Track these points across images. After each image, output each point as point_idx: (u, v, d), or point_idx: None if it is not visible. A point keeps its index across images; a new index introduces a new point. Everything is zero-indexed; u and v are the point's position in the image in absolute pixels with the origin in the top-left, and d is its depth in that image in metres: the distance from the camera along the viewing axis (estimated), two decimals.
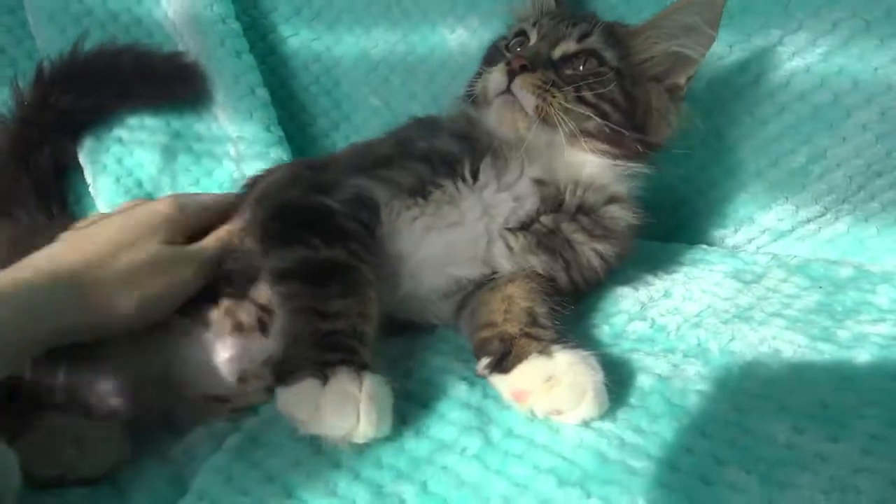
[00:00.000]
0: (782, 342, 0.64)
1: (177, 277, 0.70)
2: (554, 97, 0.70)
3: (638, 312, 0.72)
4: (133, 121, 1.03)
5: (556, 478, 0.51)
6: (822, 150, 0.86)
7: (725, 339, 0.65)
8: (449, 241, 0.71)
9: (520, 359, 0.60)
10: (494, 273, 0.72)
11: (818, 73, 0.84)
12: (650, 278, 0.78)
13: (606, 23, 0.77)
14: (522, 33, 0.79)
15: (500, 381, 0.61)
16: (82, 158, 1.03)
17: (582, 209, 0.74)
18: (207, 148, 1.04)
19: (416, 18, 1.04)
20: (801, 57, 0.85)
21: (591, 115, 0.72)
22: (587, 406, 0.56)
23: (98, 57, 1.00)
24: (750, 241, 0.92)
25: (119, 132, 1.02)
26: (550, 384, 0.57)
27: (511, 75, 0.71)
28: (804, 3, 0.83)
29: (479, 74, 0.78)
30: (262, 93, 1.04)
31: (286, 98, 1.13)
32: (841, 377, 0.59)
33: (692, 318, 0.70)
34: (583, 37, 0.75)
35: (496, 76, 0.72)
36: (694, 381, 0.61)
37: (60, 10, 1.05)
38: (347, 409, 0.53)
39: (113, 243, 0.68)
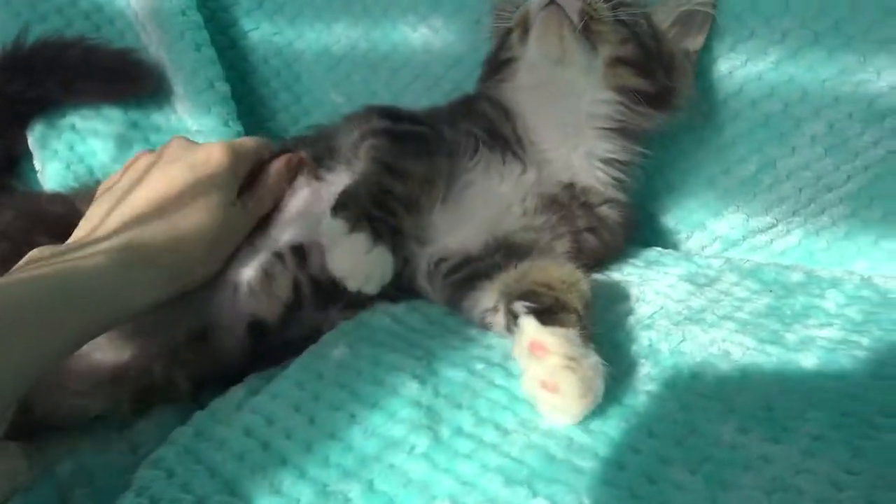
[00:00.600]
0: (731, 344, 0.65)
1: (242, 235, 0.74)
2: (598, 4, 0.76)
3: (593, 315, 0.72)
4: (88, 109, 1.00)
5: (504, 477, 0.51)
6: (772, 159, 0.87)
7: (676, 340, 0.66)
8: (484, 200, 0.78)
9: (563, 325, 0.59)
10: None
11: (769, 82, 0.85)
12: (603, 279, 0.78)
13: None
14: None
15: (528, 324, 0.59)
16: (32, 143, 1.00)
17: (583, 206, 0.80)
18: (164, 139, 1.01)
19: (378, 15, 1.03)
20: (752, 64, 0.86)
21: (629, 36, 0.77)
22: (581, 404, 0.55)
23: (44, 48, 0.97)
24: (703, 247, 0.94)
25: (73, 119, 1.00)
26: (570, 364, 0.55)
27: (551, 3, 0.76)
28: (755, 12, 0.84)
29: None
30: (222, 87, 1.02)
31: (246, 92, 1.12)
32: (787, 379, 0.60)
33: (644, 319, 0.70)
34: None
35: (539, 21, 0.77)
36: (643, 381, 0.61)
37: None
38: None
39: (183, 212, 0.68)
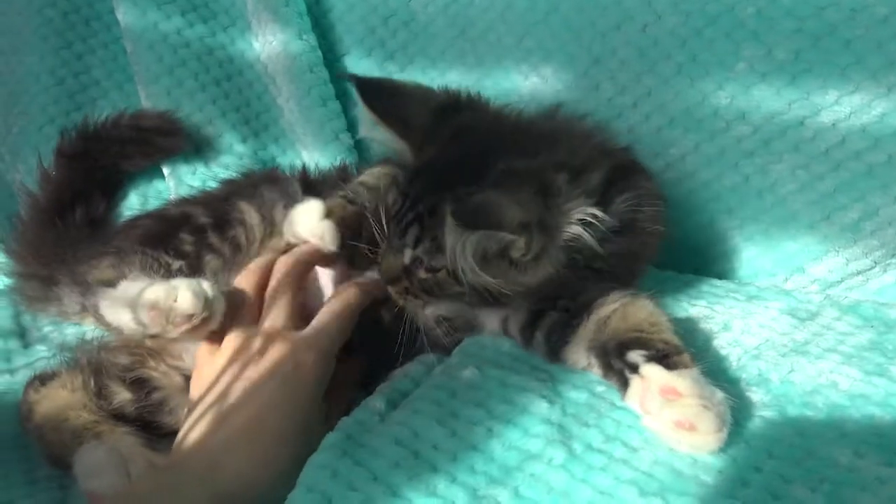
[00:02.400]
0: (839, 375, 0.69)
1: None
2: (413, 301, 0.78)
3: (701, 345, 0.77)
4: (220, 144, 1.11)
5: (637, 488, 0.57)
6: (875, 208, 0.89)
7: (785, 370, 0.71)
8: None
9: (685, 366, 0.64)
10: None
11: (873, 134, 0.88)
12: (709, 312, 0.83)
13: (436, 209, 0.72)
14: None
15: (654, 372, 0.63)
16: (167, 176, 1.11)
17: None
18: None
19: (491, 64, 1.10)
20: (856, 117, 0.88)
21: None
22: (717, 438, 0.59)
23: (103, 125, 1.11)
24: (801, 289, 0.96)
25: (205, 154, 1.11)
26: (703, 402, 0.59)
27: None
28: (861, 67, 0.87)
29: None
30: (346, 139, 1.14)
31: (357, 139, 1.20)
32: (895, 409, 0.64)
33: (752, 350, 0.75)
34: (416, 244, 0.74)
35: None
36: (758, 407, 0.66)
37: (160, 40, 1.14)
38: None
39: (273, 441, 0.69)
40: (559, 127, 0.81)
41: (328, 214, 0.80)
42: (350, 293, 0.81)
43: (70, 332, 0.97)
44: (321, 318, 0.78)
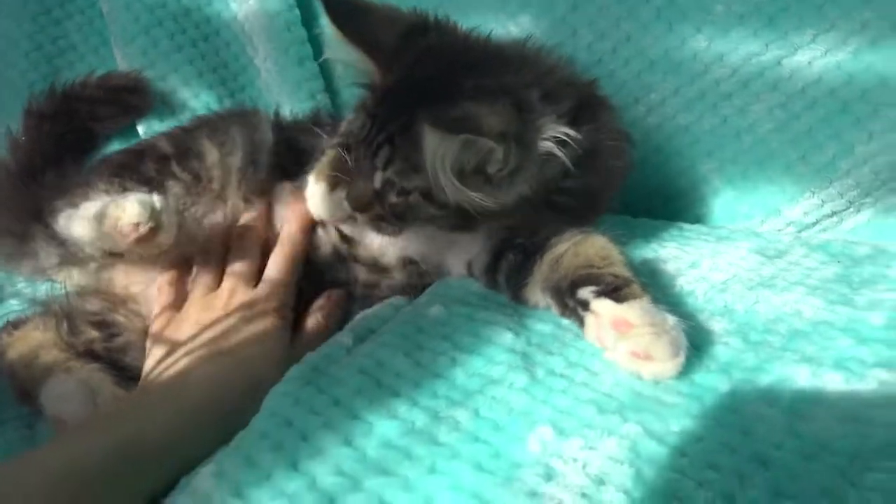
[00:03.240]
0: (803, 305, 0.69)
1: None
2: (385, 227, 0.77)
3: (667, 281, 0.78)
4: (196, 104, 1.11)
5: (596, 407, 0.57)
6: (850, 145, 0.90)
7: (750, 301, 0.71)
8: None
9: (634, 297, 0.64)
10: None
11: (848, 70, 0.88)
12: (679, 253, 0.83)
13: (408, 126, 0.70)
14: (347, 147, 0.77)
15: (604, 306, 0.64)
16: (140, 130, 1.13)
17: None
18: None
19: (467, 12, 1.03)
20: (832, 54, 0.89)
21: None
22: (674, 364, 0.59)
23: (71, 89, 1.10)
24: (776, 231, 0.97)
25: (181, 115, 1.11)
26: (655, 330, 0.60)
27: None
28: (837, 5, 0.88)
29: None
30: (324, 98, 1.13)
31: (341, 104, 1.20)
32: (857, 335, 0.64)
33: (719, 284, 0.75)
34: (386, 165, 0.73)
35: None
36: (721, 335, 0.66)
37: (136, 0, 1.13)
38: None
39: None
40: (529, 54, 0.81)
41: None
42: (295, 235, 0.84)
43: (43, 288, 0.97)
44: (272, 276, 0.82)
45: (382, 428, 0.57)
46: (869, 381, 0.57)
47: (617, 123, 0.82)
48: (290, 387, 0.63)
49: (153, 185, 0.82)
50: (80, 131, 1.11)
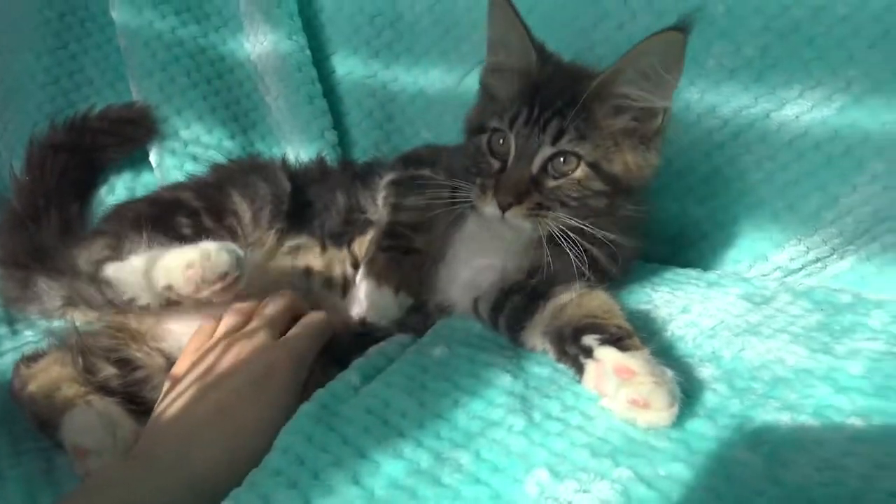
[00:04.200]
0: (786, 353, 0.73)
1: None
2: (545, 217, 0.82)
3: (660, 326, 0.82)
4: (209, 139, 1.15)
5: (590, 451, 0.61)
6: (834, 197, 0.95)
7: (737, 348, 0.75)
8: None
9: (636, 348, 0.69)
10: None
11: (833, 126, 0.93)
12: (671, 298, 0.88)
13: (576, 96, 0.80)
14: (501, 132, 0.85)
15: (609, 354, 0.68)
16: (156, 168, 1.16)
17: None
18: None
19: (474, 62, 1.14)
20: (818, 110, 0.94)
21: (579, 216, 0.81)
22: (669, 414, 0.63)
23: (73, 122, 1.14)
24: (763, 276, 1.01)
25: (194, 149, 1.15)
26: (655, 380, 0.64)
27: (502, 209, 0.82)
28: (823, 62, 0.93)
29: (473, 131, 0.89)
30: (331, 136, 1.19)
31: (341, 133, 1.26)
32: (835, 384, 0.68)
33: (707, 330, 0.79)
34: (556, 138, 0.81)
35: (490, 210, 0.83)
36: (709, 381, 0.70)
37: (154, 37, 1.19)
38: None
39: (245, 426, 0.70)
40: None
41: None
42: (323, 314, 0.86)
43: (56, 322, 1.00)
44: (299, 328, 0.83)
45: (389, 468, 0.61)
46: (846, 430, 0.61)
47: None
48: (302, 424, 0.67)
49: (188, 240, 0.84)
50: (83, 166, 1.16)
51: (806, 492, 0.55)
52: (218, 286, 0.78)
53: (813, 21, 0.93)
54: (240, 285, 0.80)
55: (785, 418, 0.63)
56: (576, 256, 0.80)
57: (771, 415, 0.64)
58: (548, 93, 0.83)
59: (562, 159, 0.82)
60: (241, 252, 0.79)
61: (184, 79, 1.21)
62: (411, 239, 0.90)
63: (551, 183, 0.82)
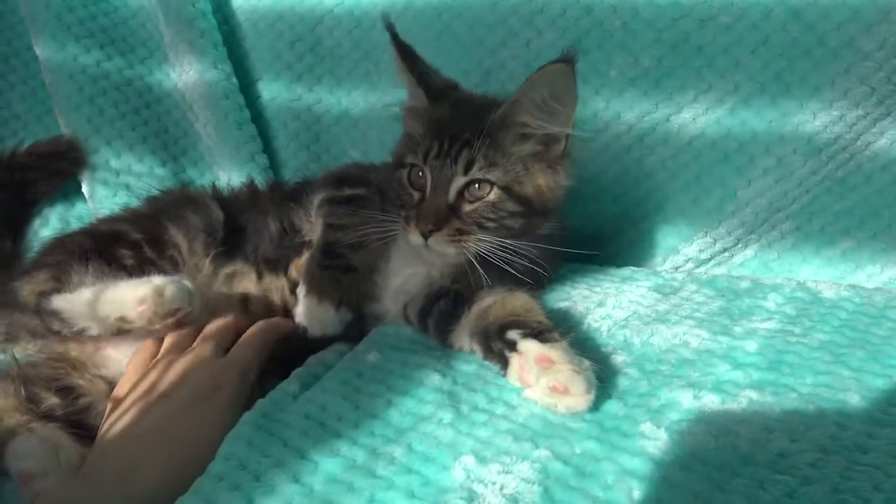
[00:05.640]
0: (691, 336, 0.80)
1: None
2: (467, 241, 0.87)
3: (578, 320, 0.88)
4: (141, 168, 1.18)
5: (513, 436, 0.66)
6: (732, 190, 1.03)
7: (646, 335, 0.81)
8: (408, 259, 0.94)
9: (556, 340, 0.74)
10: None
11: (726, 125, 1.01)
12: (588, 293, 0.94)
13: (482, 127, 0.85)
14: (417, 166, 0.90)
15: (530, 346, 0.73)
16: (88, 199, 1.18)
17: None
18: None
19: (393, 82, 1.15)
20: (712, 112, 1.02)
21: (498, 236, 0.86)
22: (587, 399, 0.68)
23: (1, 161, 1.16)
24: (676, 268, 1.09)
25: (126, 178, 1.18)
26: (573, 368, 0.69)
27: (424, 236, 0.86)
28: (712, 69, 1.01)
29: (398, 165, 0.93)
30: (262, 159, 1.24)
31: (270, 155, 1.30)
32: (733, 361, 0.75)
33: (620, 321, 0.85)
34: (468, 168, 0.86)
35: (414, 238, 0.87)
36: (621, 366, 0.76)
37: (79, 71, 1.20)
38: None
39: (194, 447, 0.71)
40: None
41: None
42: (267, 324, 0.90)
43: None
44: (242, 345, 0.85)
45: (327, 465, 0.65)
46: (740, 401, 0.68)
47: None
48: (243, 431, 0.71)
49: (131, 270, 0.88)
50: (14, 202, 1.17)
51: (700, 456, 0.61)
52: (170, 321, 0.81)
53: (700, 31, 1.01)
54: (191, 318, 0.83)
55: (687, 395, 0.70)
56: (501, 270, 0.86)
57: (675, 392, 0.70)
58: (455, 125, 0.88)
59: (476, 185, 0.87)
60: (191, 286, 0.82)
61: (112, 110, 1.23)
62: (349, 258, 0.93)
63: (468, 207, 0.87)
